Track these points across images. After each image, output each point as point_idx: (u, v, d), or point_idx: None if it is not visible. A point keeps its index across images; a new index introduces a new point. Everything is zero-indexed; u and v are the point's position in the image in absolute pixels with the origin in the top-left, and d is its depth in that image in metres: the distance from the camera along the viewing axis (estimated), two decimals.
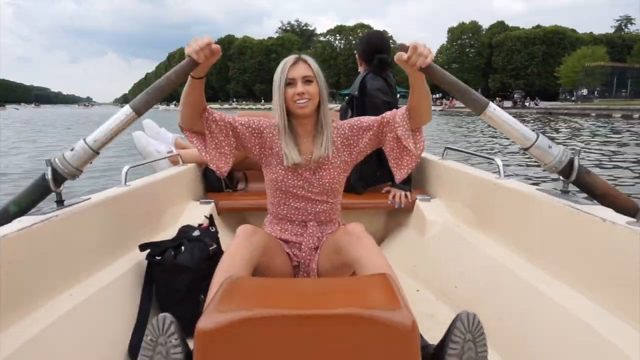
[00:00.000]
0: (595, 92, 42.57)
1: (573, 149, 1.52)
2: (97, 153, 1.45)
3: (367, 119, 1.66)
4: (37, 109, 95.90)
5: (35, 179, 1.44)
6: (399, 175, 1.63)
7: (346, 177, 1.74)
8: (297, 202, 1.68)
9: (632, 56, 53.99)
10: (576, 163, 1.46)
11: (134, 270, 1.64)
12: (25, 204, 1.39)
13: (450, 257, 1.99)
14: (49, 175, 1.40)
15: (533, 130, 1.53)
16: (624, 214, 1.29)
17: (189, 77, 1.41)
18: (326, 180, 1.66)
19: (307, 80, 1.56)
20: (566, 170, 1.48)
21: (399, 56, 1.33)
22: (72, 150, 1.42)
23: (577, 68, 46.32)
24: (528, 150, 1.50)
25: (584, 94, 42.06)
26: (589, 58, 46.03)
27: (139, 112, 1.43)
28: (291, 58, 1.58)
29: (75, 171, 1.43)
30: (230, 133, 1.60)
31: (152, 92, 1.43)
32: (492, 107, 1.49)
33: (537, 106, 39.38)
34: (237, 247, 1.43)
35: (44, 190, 1.42)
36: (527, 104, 41.72)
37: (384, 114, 1.64)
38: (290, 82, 1.55)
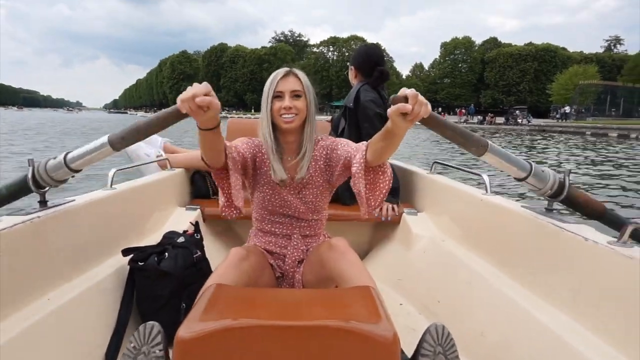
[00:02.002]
0: (573, 110, 42.24)
1: (563, 170, 1.52)
2: (71, 170, 1.38)
3: (342, 149, 1.54)
4: (20, 112, 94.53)
5: (19, 177, 1.41)
6: (363, 210, 1.45)
7: (331, 194, 1.71)
8: (281, 218, 1.66)
9: (622, 75, 54.87)
10: (566, 184, 1.46)
11: (115, 275, 1.62)
12: (1, 197, 1.36)
13: (435, 271, 1.99)
14: (30, 175, 1.38)
15: (525, 160, 1.49)
16: (611, 227, 1.30)
17: (200, 130, 1.29)
18: (310, 199, 1.63)
19: (295, 95, 1.52)
20: (557, 192, 1.48)
21: (402, 107, 1.13)
22: (54, 158, 1.38)
23: (568, 86, 46.94)
24: (524, 180, 1.45)
25: (566, 111, 42.07)
26: (581, 76, 46.70)
27: (114, 146, 1.34)
28: (282, 71, 1.54)
29: (51, 181, 1.39)
30: (239, 166, 1.52)
31: (130, 131, 1.34)
32: (493, 146, 1.43)
33: (529, 123, 39.44)
34: (225, 271, 1.37)
35: (25, 189, 1.40)
36: (519, 120, 41.89)
37: (354, 148, 1.49)
38: (278, 95, 1.51)
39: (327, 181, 1.64)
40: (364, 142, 1.43)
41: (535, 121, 41.30)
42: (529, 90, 67.85)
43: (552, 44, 71.91)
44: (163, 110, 1.30)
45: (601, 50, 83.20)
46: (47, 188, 1.42)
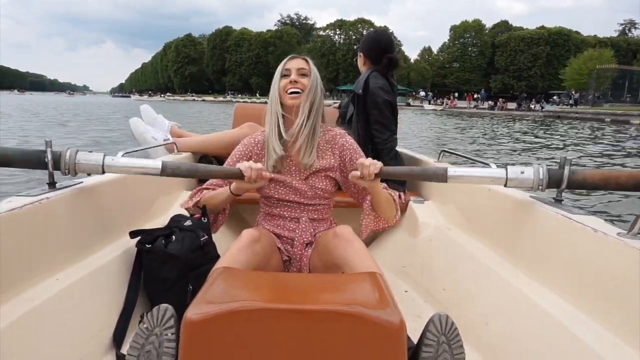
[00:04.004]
0: (586, 95, 41.21)
1: (559, 159, 1.51)
2: (103, 173, 1.52)
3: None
4: (21, 96, 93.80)
5: (37, 150, 1.45)
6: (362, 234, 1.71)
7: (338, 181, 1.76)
8: (289, 203, 1.70)
9: (639, 60, 53.55)
10: (566, 173, 1.45)
11: (123, 257, 1.63)
12: (9, 159, 1.39)
13: (441, 259, 1.99)
14: (49, 156, 1.42)
15: (498, 166, 1.56)
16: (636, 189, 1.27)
17: (230, 193, 1.62)
18: (319, 186, 1.69)
19: (302, 73, 1.63)
20: (554, 182, 1.47)
21: (353, 175, 1.49)
22: (89, 152, 1.49)
23: (583, 70, 45.82)
24: (506, 186, 1.53)
25: (576, 97, 41.01)
26: (596, 61, 45.52)
27: (164, 171, 1.52)
28: (292, 55, 1.68)
29: (73, 171, 1.47)
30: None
31: (186, 167, 1.60)
32: (452, 170, 1.56)
33: (543, 109, 38.48)
34: (238, 252, 1.42)
35: (38, 164, 1.44)
36: (532, 106, 41.08)
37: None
38: (285, 74, 1.63)
39: (335, 174, 1.72)
40: None
41: (549, 107, 40.45)
42: (540, 75, 66.49)
43: (564, 27, 70.45)
44: (228, 168, 1.61)
45: (615, 34, 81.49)
46: (64, 172, 1.47)
